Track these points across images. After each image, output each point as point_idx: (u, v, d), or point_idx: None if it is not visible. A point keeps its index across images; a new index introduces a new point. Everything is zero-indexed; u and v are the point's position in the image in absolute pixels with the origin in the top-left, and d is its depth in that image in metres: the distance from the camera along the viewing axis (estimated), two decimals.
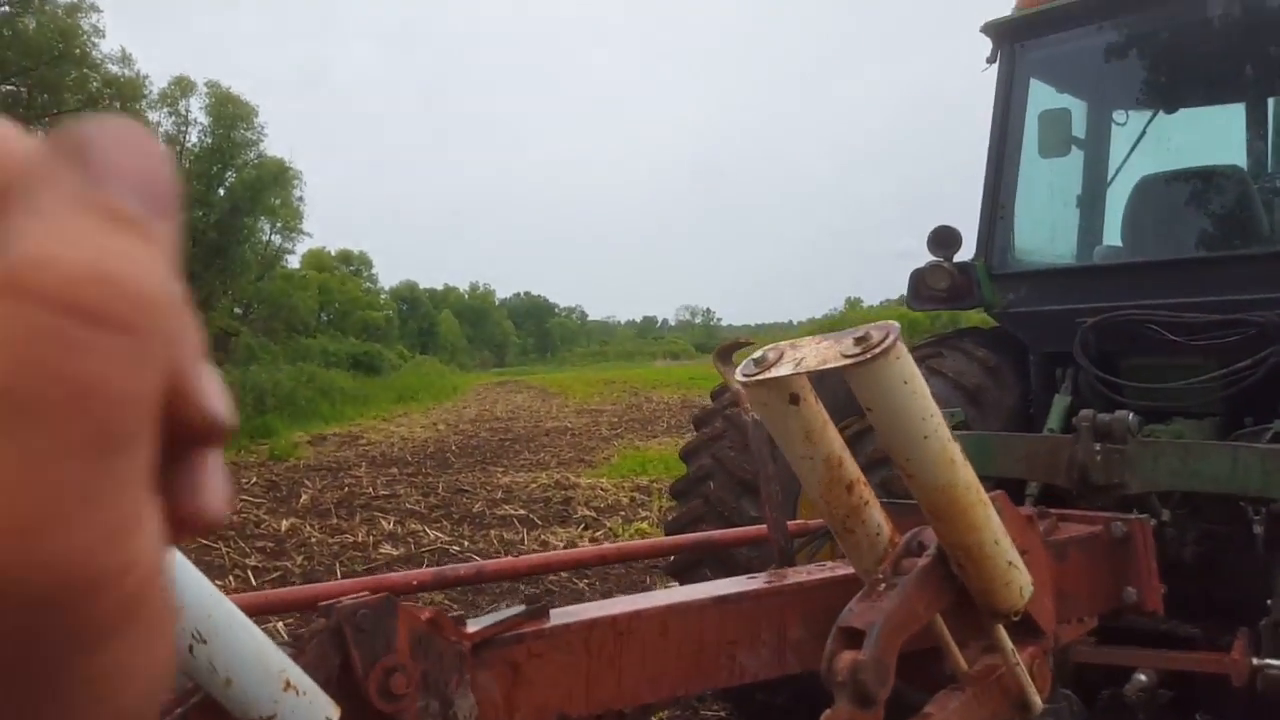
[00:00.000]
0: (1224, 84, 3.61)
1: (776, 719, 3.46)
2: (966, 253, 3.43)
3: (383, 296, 65.05)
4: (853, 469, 1.35)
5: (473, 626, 1.23)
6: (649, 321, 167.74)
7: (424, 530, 7.77)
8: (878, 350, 1.14)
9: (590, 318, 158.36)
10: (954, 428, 2.93)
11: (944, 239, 3.32)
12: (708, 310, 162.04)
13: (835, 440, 1.34)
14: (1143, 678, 2.44)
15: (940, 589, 1.32)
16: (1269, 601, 2.23)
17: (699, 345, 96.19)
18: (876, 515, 1.38)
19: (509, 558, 2.23)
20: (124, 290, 0.20)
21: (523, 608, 1.29)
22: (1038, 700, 1.42)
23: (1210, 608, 2.56)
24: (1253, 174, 3.41)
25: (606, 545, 3.02)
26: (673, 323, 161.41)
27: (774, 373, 1.24)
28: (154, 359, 0.20)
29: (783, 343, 1.31)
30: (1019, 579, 1.32)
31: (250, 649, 0.94)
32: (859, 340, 1.17)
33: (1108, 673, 2.51)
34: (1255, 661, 2.19)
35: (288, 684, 0.96)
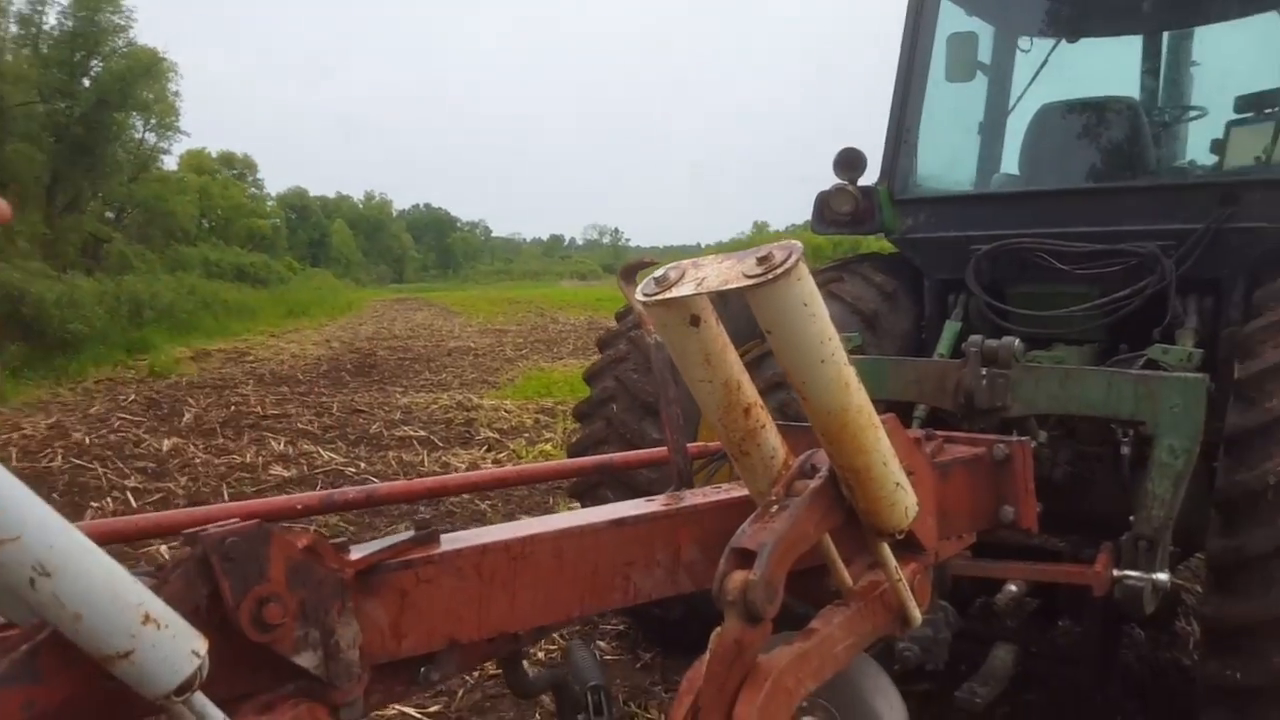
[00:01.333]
0: (1124, 16, 3.67)
1: (671, 631, 3.57)
2: (870, 177, 3.44)
3: (269, 203, 61.55)
4: (750, 392, 1.34)
5: (357, 553, 1.18)
6: (556, 240, 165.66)
7: (317, 451, 7.57)
8: (779, 271, 1.11)
9: (494, 234, 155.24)
10: (850, 352, 2.98)
11: (849, 161, 3.31)
12: (616, 230, 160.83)
13: (734, 364, 1.32)
14: (1013, 588, 2.59)
15: (830, 509, 1.33)
16: (1131, 518, 2.37)
17: (607, 266, 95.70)
18: (772, 438, 1.37)
19: (402, 481, 2.16)
20: None
21: (412, 533, 1.25)
22: (917, 614, 1.47)
23: (1078, 523, 2.72)
24: (1145, 107, 3.51)
25: (507, 467, 2.99)
26: (580, 242, 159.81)
27: (675, 292, 1.20)
28: None
29: (685, 262, 1.27)
30: (905, 500, 1.35)
31: (101, 581, 0.88)
32: (761, 260, 1.14)
33: (980, 583, 2.66)
34: (1115, 573, 2.34)
35: (147, 617, 0.90)
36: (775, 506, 1.32)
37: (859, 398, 1.25)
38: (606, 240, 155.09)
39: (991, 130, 3.78)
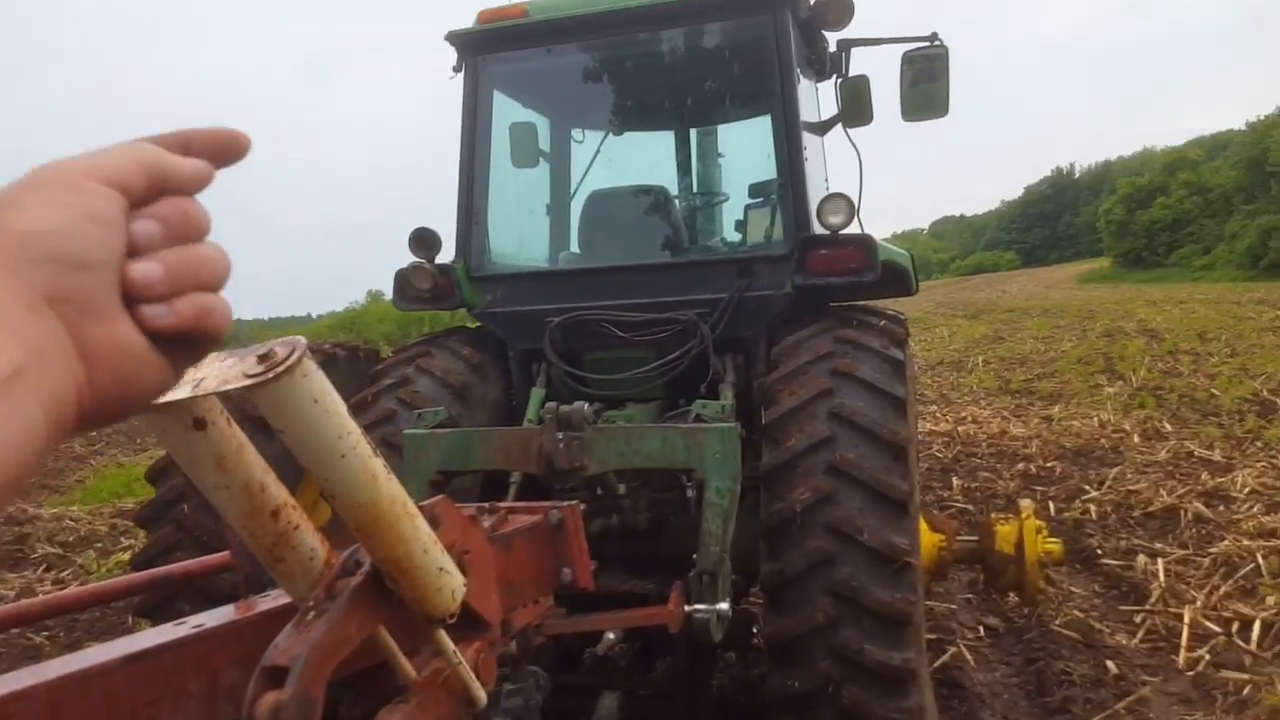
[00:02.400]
0: (655, 114, 4.21)
1: None
2: (449, 254, 3.53)
3: None
4: (278, 493, 1.27)
5: None
6: None
7: None
8: (281, 369, 1.06)
9: None
10: (438, 425, 2.99)
11: (424, 240, 3.38)
12: None
13: (255, 464, 1.24)
14: (611, 636, 2.73)
15: (374, 606, 1.29)
16: (694, 556, 2.62)
17: None
18: (308, 539, 1.31)
19: None
20: None
21: None
22: (481, 694, 1.48)
23: (661, 565, 2.95)
24: (680, 194, 4.04)
25: (37, 599, 2.53)
26: None
27: (170, 396, 1.10)
28: None
29: None
30: (450, 583, 1.35)
31: None
32: (262, 358, 1.08)
33: (588, 635, 2.76)
34: (686, 608, 2.56)
35: None
36: (312, 612, 1.25)
37: (390, 488, 1.24)
38: None
39: (557, 212, 4.10)
